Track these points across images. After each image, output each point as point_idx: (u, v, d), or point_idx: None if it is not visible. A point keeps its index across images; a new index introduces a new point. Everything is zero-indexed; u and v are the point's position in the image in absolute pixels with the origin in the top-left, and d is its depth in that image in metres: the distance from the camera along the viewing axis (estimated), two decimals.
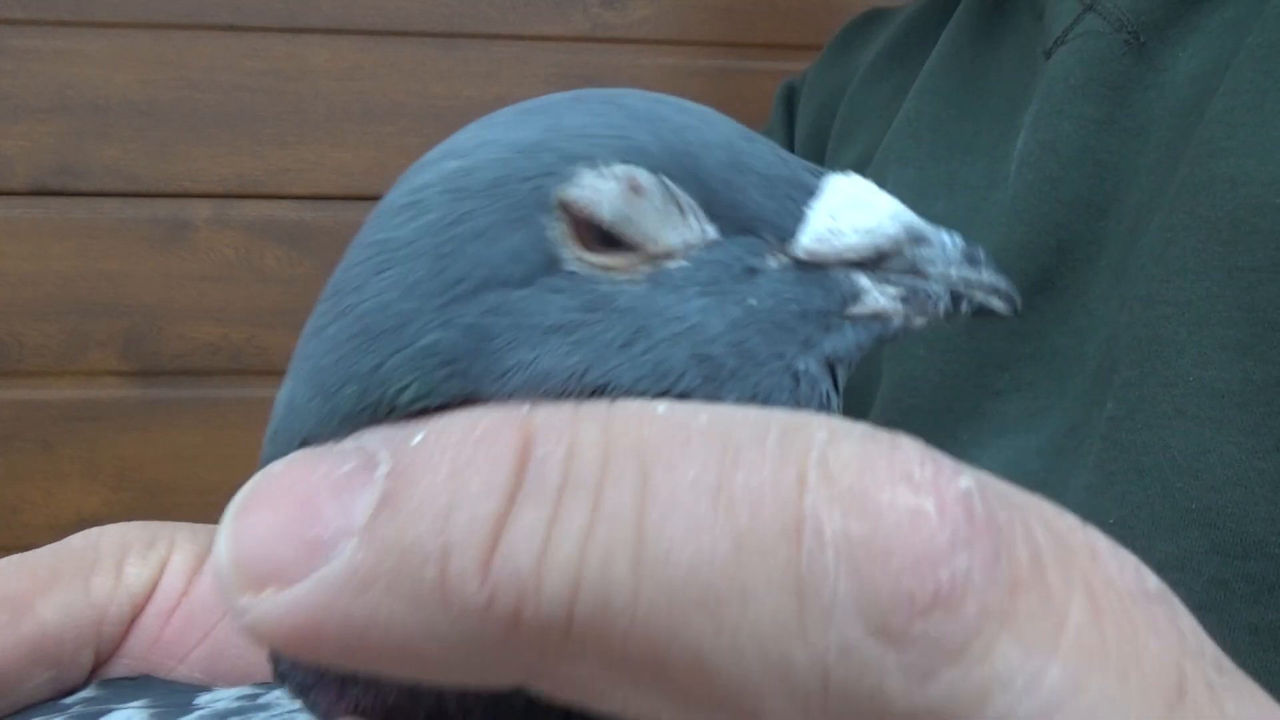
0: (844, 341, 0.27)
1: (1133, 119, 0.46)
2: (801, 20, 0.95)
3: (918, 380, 0.52)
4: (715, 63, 0.94)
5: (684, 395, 0.24)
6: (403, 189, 0.26)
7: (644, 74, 0.93)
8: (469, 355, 0.23)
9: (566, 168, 0.24)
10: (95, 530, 0.29)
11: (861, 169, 0.61)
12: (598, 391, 0.23)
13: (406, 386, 0.23)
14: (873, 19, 0.70)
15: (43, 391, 0.90)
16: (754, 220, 0.26)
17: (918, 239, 0.27)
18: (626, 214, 0.24)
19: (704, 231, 0.25)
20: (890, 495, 0.18)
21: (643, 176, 0.25)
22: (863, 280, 0.27)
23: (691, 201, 0.25)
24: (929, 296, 0.27)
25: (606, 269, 0.24)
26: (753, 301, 0.25)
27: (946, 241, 0.28)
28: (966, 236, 0.28)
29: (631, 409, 0.20)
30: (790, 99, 0.72)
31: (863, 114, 0.63)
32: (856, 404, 0.56)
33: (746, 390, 0.25)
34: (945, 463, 0.19)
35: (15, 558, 0.27)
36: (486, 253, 0.24)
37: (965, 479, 0.18)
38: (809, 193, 0.26)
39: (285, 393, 0.26)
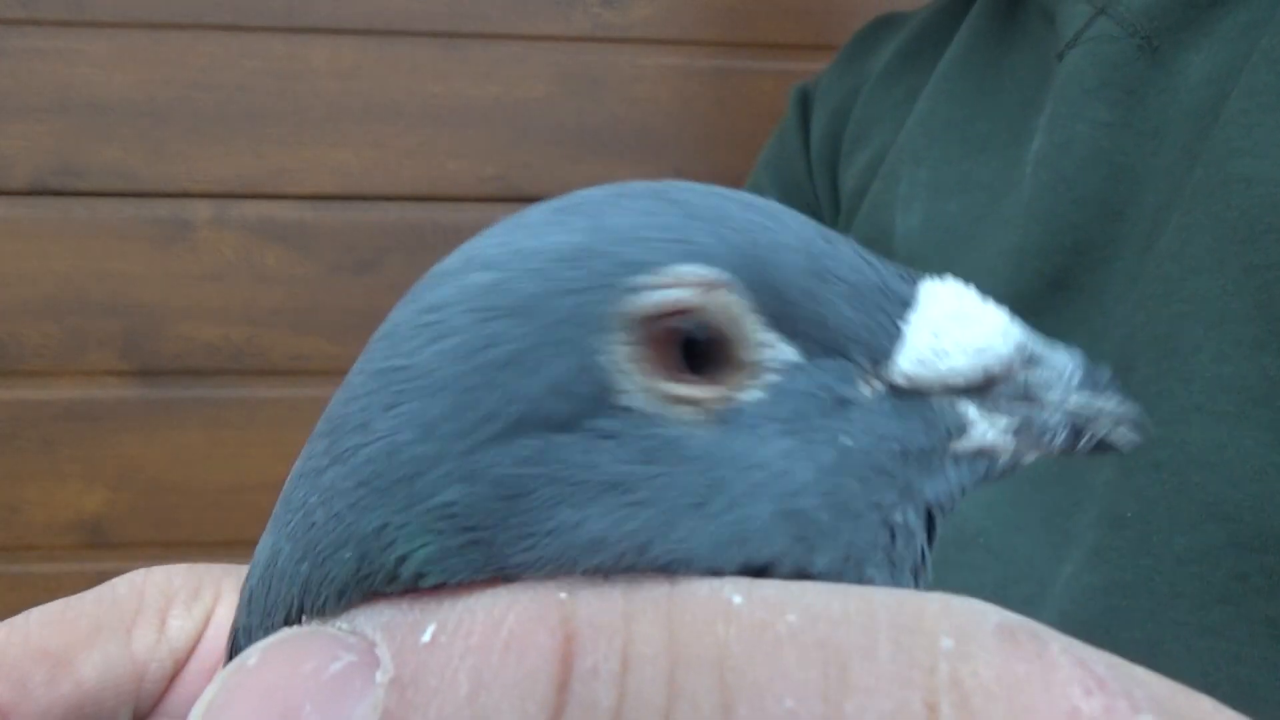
0: (946, 485, 0.22)
1: (1147, 121, 0.47)
2: (802, 20, 0.95)
3: None
4: (715, 63, 0.94)
5: (769, 565, 0.20)
6: (417, 305, 0.21)
7: (644, 74, 0.93)
8: (496, 518, 0.19)
9: (623, 277, 0.20)
10: (142, 573, 0.28)
11: (874, 170, 0.61)
12: (664, 568, 0.19)
13: (415, 554, 0.19)
14: (886, 23, 0.70)
15: (43, 391, 0.90)
16: (843, 339, 0.21)
17: (1032, 360, 0.23)
18: (722, 322, 0.20)
19: (784, 353, 0.21)
20: None
21: (717, 286, 0.20)
22: (970, 410, 0.23)
23: (768, 317, 0.21)
24: (1045, 429, 0.23)
25: (680, 402, 0.20)
26: (847, 441, 0.21)
27: (1066, 363, 0.23)
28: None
29: (701, 599, 0.17)
30: (805, 102, 0.72)
31: (876, 117, 0.63)
32: None
33: (839, 551, 0.20)
34: (1113, 683, 0.16)
35: (59, 604, 0.25)
36: (523, 385, 0.19)
37: (1141, 705, 0.15)
38: (904, 304, 0.22)
39: (266, 547, 0.21)
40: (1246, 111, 0.42)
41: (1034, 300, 0.48)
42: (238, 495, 0.91)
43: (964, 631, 0.16)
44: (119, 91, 0.89)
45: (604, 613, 0.16)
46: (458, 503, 0.19)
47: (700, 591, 0.17)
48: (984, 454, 0.23)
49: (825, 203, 0.67)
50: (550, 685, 0.14)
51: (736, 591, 0.17)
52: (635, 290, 0.19)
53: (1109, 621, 0.43)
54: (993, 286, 0.49)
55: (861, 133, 0.64)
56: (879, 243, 0.57)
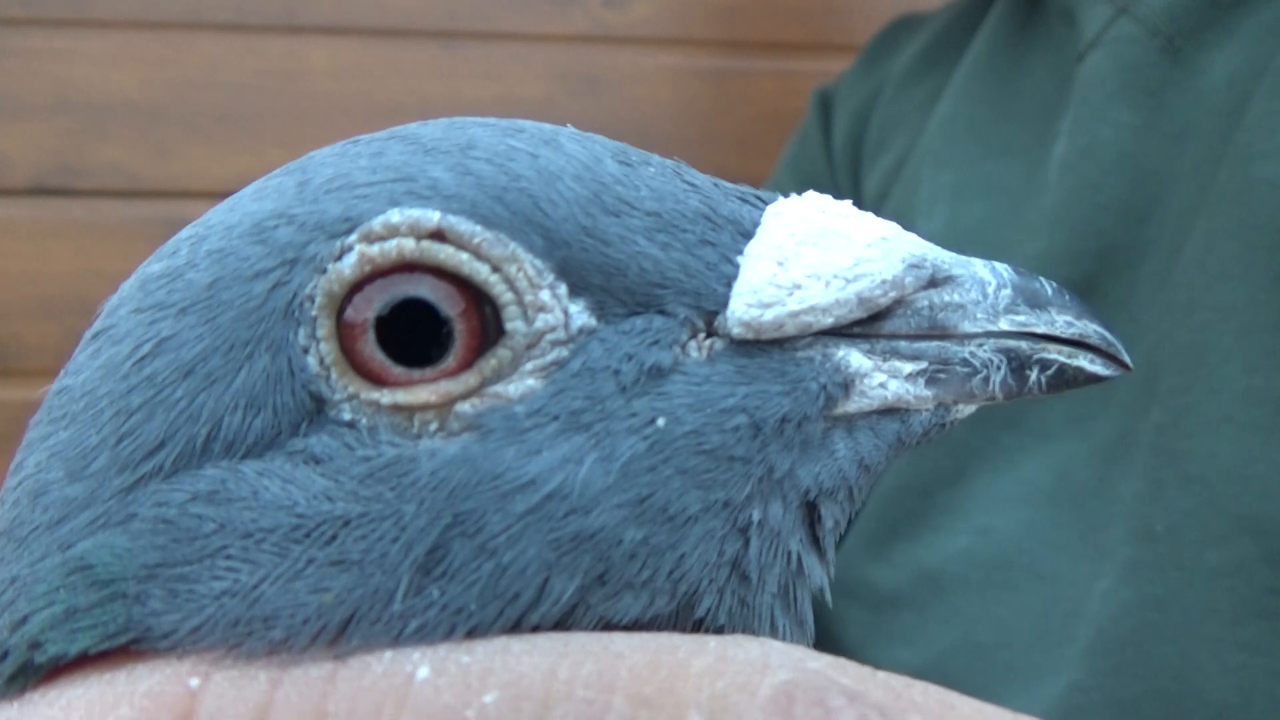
0: (834, 463, 0.17)
1: (1171, 124, 0.46)
2: (802, 20, 0.95)
3: None
4: (715, 63, 0.94)
5: (557, 621, 0.15)
6: (102, 309, 0.18)
7: (644, 74, 0.93)
8: (148, 572, 0.15)
9: (316, 244, 0.15)
10: None
11: (897, 174, 0.61)
12: (370, 648, 0.14)
13: (36, 615, 0.15)
14: (905, 24, 0.70)
15: (43, 391, 0.90)
16: (651, 288, 0.16)
17: (938, 279, 0.17)
18: (464, 283, 0.15)
19: (566, 316, 0.16)
20: None
21: (460, 225, 0.15)
22: (853, 356, 0.17)
23: (538, 264, 0.15)
24: (971, 367, 0.17)
25: (406, 410, 0.15)
26: (662, 423, 0.16)
27: (986, 278, 0.17)
28: (1017, 263, 0.17)
29: (371, 679, 0.14)
30: (826, 105, 0.72)
31: (898, 119, 0.63)
32: None
33: (660, 584, 0.15)
34: None
35: None
36: (199, 402, 0.15)
37: None
38: (742, 232, 0.17)
39: None
40: (1270, 114, 0.41)
41: None
42: None
43: (724, 702, 0.14)
44: (119, 91, 0.89)
45: (236, 706, 0.13)
46: (100, 553, 0.15)
47: (374, 668, 0.14)
48: (890, 413, 0.17)
49: None
50: None
51: (426, 663, 0.14)
52: (331, 258, 0.15)
53: (1143, 638, 0.42)
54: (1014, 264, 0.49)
55: (883, 136, 0.64)
56: None
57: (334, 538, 0.14)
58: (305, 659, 0.14)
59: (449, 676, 0.14)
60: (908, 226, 0.60)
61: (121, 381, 0.16)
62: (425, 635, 0.14)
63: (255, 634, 0.14)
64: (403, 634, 0.14)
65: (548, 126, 0.17)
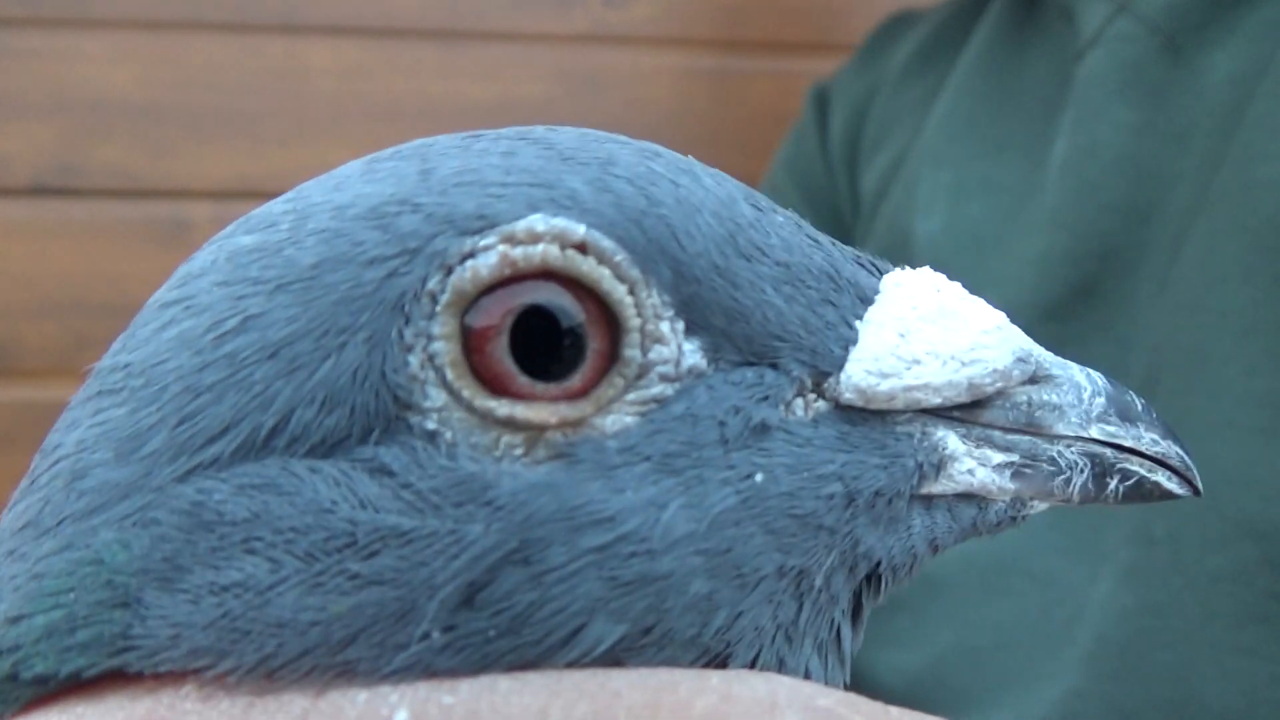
0: (907, 540, 0.16)
1: (1172, 123, 0.46)
2: (802, 20, 0.95)
3: None
4: (715, 62, 0.94)
5: (609, 657, 0.14)
6: (172, 278, 0.16)
7: (644, 74, 0.93)
8: (154, 569, 0.13)
9: (446, 238, 0.14)
10: None
11: (896, 171, 0.61)
12: (373, 678, 0.14)
13: (32, 619, 0.14)
14: (902, 21, 0.70)
15: (43, 391, 0.90)
16: (770, 339, 0.15)
17: (1039, 377, 0.17)
18: (596, 301, 0.14)
19: (680, 353, 0.15)
20: None
21: (604, 242, 0.15)
22: (950, 438, 0.17)
23: (665, 297, 0.15)
24: (1057, 467, 0.17)
25: (508, 426, 0.14)
26: (760, 479, 0.15)
27: (1083, 384, 0.17)
28: (1110, 376, 0.17)
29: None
30: (822, 102, 0.72)
31: (895, 116, 0.63)
32: None
33: (705, 641, 0.15)
34: None
35: None
36: (279, 389, 0.14)
37: None
38: (862, 297, 0.16)
39: None
40: (1272, 114, 0.41)
41: (1060, 307, 0.48)
42: None
43: None
44: (119, 91, 0.89)
45: None
46: (115, 548, 0.14)
47: (347, 711, 0.13)
48: (969, 498, 0.17)
49: (846, 204, 0.67)
50: None
51: (404, 706, 0.13)
52: (461, 255, 0.14)
53: (1143, 644, 0.42)
54: (1018, 293, 0.48)
55: (880, 133, 0.64)
56: (898, 246, 0.57)
57: (376, 552, 0.13)
58: (285, 686, 0.13)
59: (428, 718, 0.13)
60: (908, 226, 0.60)
61: (195, 356, 0.14)
62: (422, 668, 0.14)
63: (247, 641, 0.13)
64: (396, 663, 0.13)
65: (681, 156, 0.16)
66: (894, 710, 0.16)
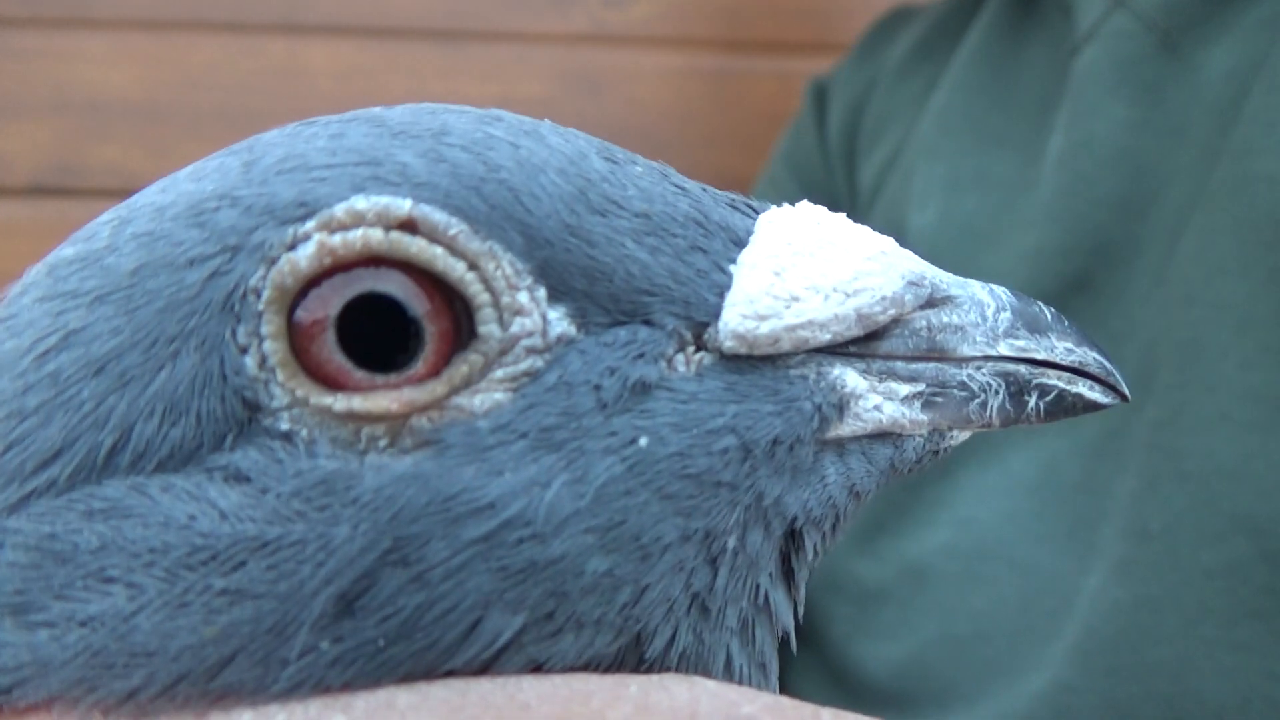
0: (823, 490, 0.15)
1: (1168, 119, 0.46)
2: (802, 20, 0.95)
3: None
4: (715, 63, 0.94)
5: (518, 651, 0.14)
6: (4, 297, 0.15)
7: (644, 74, 0.93)
8: (8, 604, 0.13)
9: (273, 229, 0.14)
10: None
11: (892, 166, 0.61)
12: (249, 695, 0.13)
13: None
14: (900, 17, 0.70)
15: None
16: (639, 295, 0.15)
17: (937, 299, 0.16)
18: (436, 279, 0.14)
19: (545, 322, 0.14)
20: None
21: (435, 216, 0.14)
22: (848, 375, 0.16)
23: (518, 265, 0.14)
24: (969, 391, 0.16)
25: (359, 419, 0.13)
26: (644, 442, 0.14)
27: (984, 299, 0.16)
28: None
29: None
30: (821, 97, 0.72)
31: (893, 112, 0.63)
32: None
33: (612, 620, 0.14)
34: None
35: None
36: (111, 406, 0.13)
37: None
38: (735, 240, 0.16)
39: None
40: (1268, 108, 0.41)
41: (1053, 301, 0.48)
42: None
43: None
44: (119, 91, 0.89)
45: None
46: None
47: None
48: (883, 437, 0.16)
49: (844, 197, 0.67)
50: None
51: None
52: (283, 247, 0.13)
53: (1136, 639, 0.42)
54: (1011, 287, 0.49)
55: (878, 128, 0.64)
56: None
57: (241, 564, 0.12)
58: (164, 711, 0.12)
59: None
60: (903, 219, 0.60)
61: (17, 379, 0.13)
62: (313, 683, 0.13)
63: (115, 673, 0.12)
64: (283, 680, 0.12)
65: (527, 118, 0.15)
66: (825, 713, 0.15)
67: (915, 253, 0.19)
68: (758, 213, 0.16)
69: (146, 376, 0.13)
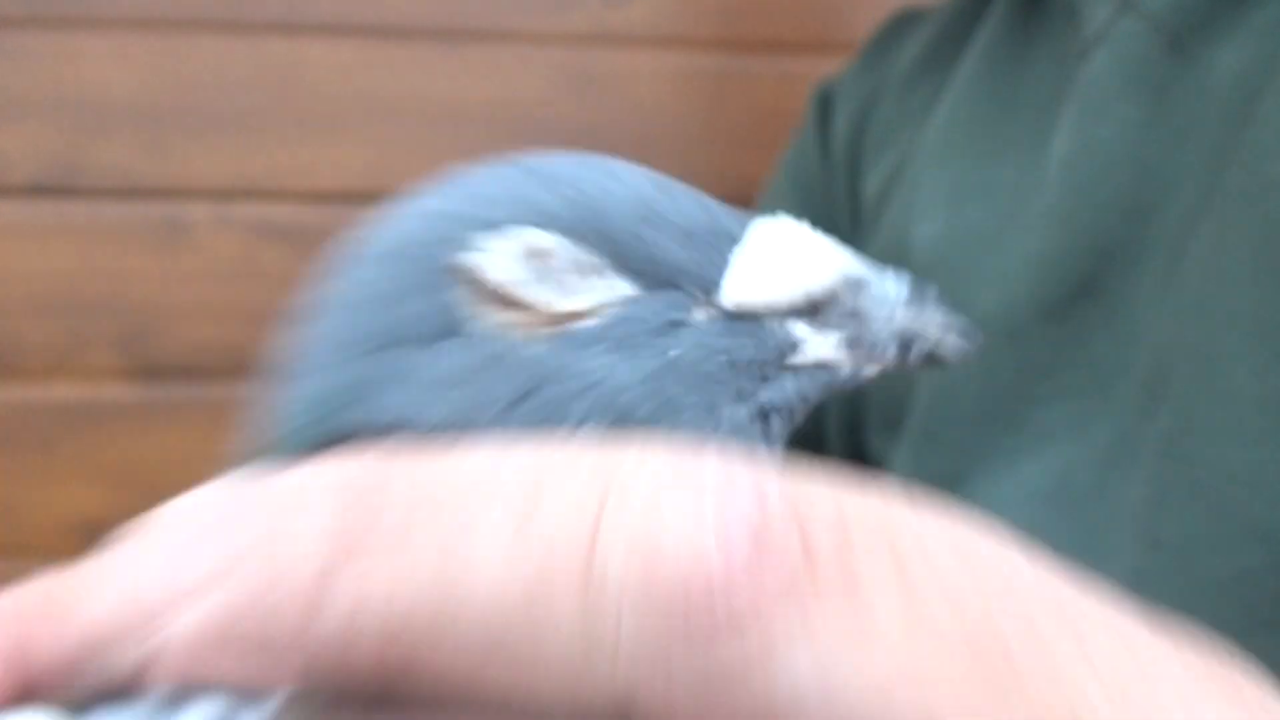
0: (782, 391, 0.26)
1: (1176, 121, 0.45)
2: (802, 20, 0.95)
3: (957, 388, 0.51)
4: (715, 63, 0.94)
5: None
6: (354, 247, 0.28)
7: (644, 74, 0.93)
8: (351, 403, 0.24)
9: (464, 234, 0.25)
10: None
11: (898, 175, 0.60)
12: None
13: (297, 428, 0.25)
14: (908, 20, 0.68)
15: (42, 391, 0.90)
16: (674, 273, 0.25)
17: (857, 285, 0.26)
18: (521, 277, 0.24)
19: (617, 289, 0.25)
20: (676, 520, 0.18)
21: (542, 239, 0.25)
22: (798, 328, 0.26)
23: (601, 260, 0.25)
24: (875, 343, 0.26)
25: (507, 327, 0.24)
26: (674, 353, 0.25)
27: (890, 286, 0.27)
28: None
29: (458, 450, 0.20)
30: (825, 105, 0.71)
31: (899, 119, 0.62)
32: (892, 415, 0.56)
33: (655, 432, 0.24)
34: (742, 478, 0.19)
35: None
36: (393, 314, 0.24)
37: (762, 491, 0.19)
38: (733, 240, 0.26)
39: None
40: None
41: (1059, 305, 0.48)
42: None
43: (649, 453, 0.20)
44: (119, 91, 0.89)
45: (380, 461, 0.20)
46: (326, 391, 0.25)
47: (467, 447, 0.21)
48: (821, 367, 0.26)
49: (843, 208, 0.66)
50: (329, 513, 0.19)
51: (492, 445, 0.21)
52: (463, 248, 0.25)
53: None
54: (1016, 292, 0.48)
55: (884, 137, 0.63)
56: (898, 250, 0.56)
57: (460, 384, 0.24)
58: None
59: (506, 448, 0.20)
60: (907, 229, 0.60)
61: (356, 294, 0.26)
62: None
63: (410, 433, 0.23)
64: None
65: (616, 164, 0.27)
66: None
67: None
68: (748, 223, 0.27)
69: (408, 303, 0.24)
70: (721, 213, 0.26)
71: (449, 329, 0.24)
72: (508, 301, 0.24)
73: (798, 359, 0.26)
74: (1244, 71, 0.43)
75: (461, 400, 0.23)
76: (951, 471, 0.51)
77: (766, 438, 0.26)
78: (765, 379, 0.26)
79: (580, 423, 0.23)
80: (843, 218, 0.65)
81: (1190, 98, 0.45)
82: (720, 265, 0.25)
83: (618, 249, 0.25)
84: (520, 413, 0.23)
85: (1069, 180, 0.48)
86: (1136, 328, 0.45)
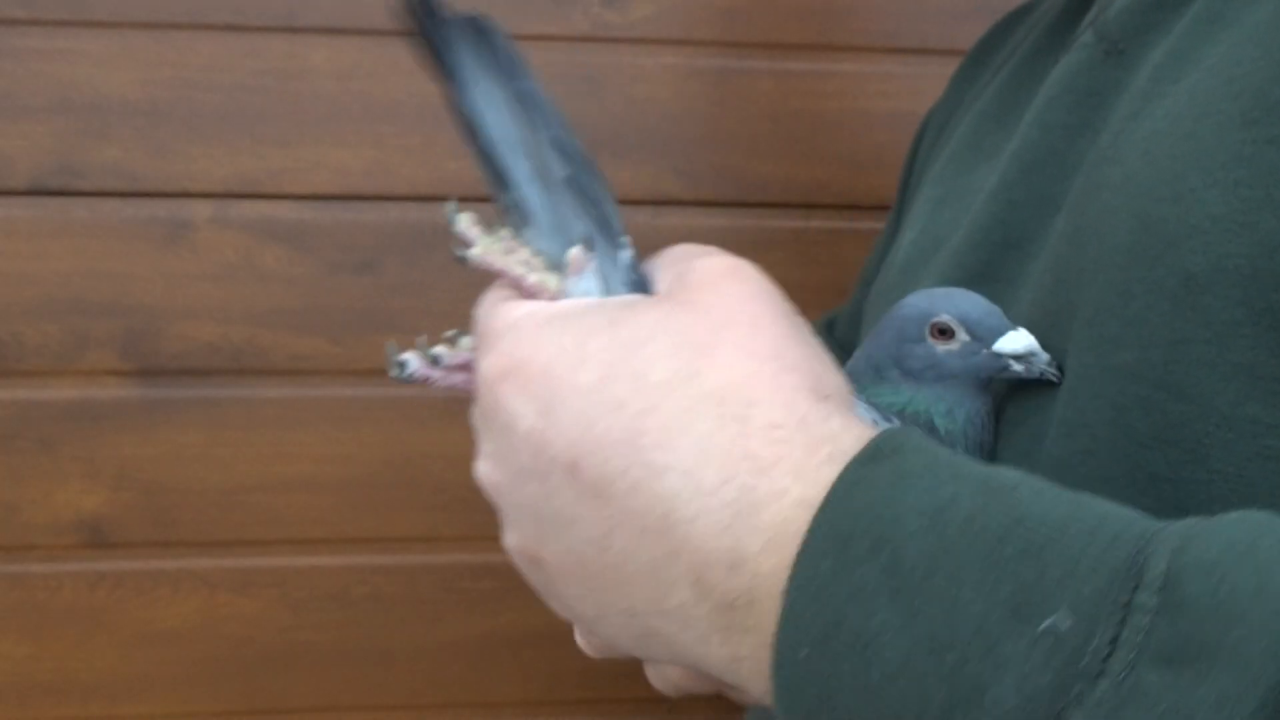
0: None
1: (1096, 122, 0.47)
2: (802, 20, 0.95)
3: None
4: (715, 63, 0.94)
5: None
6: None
7: (644, 74, 0.93)
8: (893, 363, 0.45)
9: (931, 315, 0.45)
10: None
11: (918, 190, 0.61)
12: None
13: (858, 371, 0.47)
14: (1006, 28, 0.68)
15: (42, 391, 0.90)
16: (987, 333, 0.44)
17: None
18: (953, 326, 0.44)
19: (965, 339, 0.44)
20: None
21: (950, 320, 0.45)
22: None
23: (961, 327, 0.44)
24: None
25: (942, 344, 0.44)
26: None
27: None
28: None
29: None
30: (922, 128, 0.71)
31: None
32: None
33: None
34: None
35: None
36: (903, 334, 0.45)
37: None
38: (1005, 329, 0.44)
39: None
40: (1133, 115, 0.41)
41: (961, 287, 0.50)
42: (238, 495, 0.91)
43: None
44: (119, 91, 0.89)
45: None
46: (880, 358, 0.47)
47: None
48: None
49: None
50: None
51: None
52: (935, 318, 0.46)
53: None
54: (932, 281, 0.51)
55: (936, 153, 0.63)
56: (887, 262, 0.58)
57: (924, 362, 0.46)
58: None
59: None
60: (901, 240, 0.63)
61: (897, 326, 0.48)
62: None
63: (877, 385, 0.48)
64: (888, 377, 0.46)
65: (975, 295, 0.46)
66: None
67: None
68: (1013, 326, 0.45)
69: (907, 332, 0.48)
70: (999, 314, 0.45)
71: (921, 341, 0.45)
72: (948, 335, 0.44)
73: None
74: (1160, 64, 0.43)
75: (915, 370, 0.45)
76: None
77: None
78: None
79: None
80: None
81: (1115, 98, 0.46)
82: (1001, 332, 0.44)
83: (970, 325, 0.45)
84: (924, 382, 0.45)
85: (999, 179, 0.50)
86: (1021, 309, 0.46)
